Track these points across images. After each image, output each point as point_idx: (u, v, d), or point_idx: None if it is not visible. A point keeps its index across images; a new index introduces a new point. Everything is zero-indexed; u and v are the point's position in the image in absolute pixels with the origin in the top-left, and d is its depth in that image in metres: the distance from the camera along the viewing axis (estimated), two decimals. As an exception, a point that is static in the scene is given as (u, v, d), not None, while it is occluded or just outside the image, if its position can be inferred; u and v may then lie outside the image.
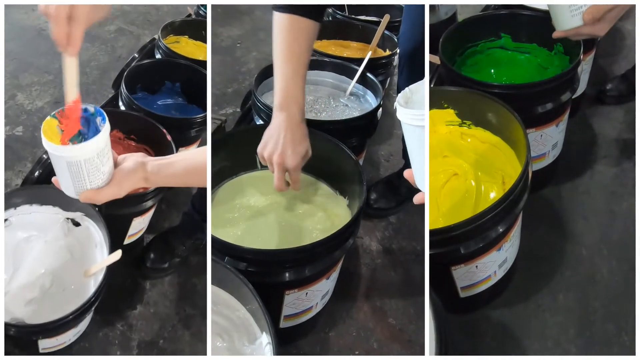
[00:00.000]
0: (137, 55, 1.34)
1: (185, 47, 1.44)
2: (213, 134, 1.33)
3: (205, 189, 0.93)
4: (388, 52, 1.48)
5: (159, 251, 1.10)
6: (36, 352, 0.84)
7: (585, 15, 0.84)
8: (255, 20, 2.25)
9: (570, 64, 1.06)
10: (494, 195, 0.91)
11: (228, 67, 1.93)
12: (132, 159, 0.65)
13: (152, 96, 1.27)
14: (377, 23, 1.51)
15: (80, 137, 0.62)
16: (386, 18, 1.48)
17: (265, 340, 0.70)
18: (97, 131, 0.61)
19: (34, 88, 1.37)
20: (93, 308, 0.84)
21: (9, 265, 0.84)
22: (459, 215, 0.88)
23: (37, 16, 1.62)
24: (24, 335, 0.80)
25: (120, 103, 1.16)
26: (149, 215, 1.09)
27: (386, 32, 1.48)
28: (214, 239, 0.79)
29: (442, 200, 0.92)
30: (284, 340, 0.98)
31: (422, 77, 0.77)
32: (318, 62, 1.29)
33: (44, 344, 0.84)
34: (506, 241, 0.89)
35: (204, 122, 1.19)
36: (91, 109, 0.63)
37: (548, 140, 1.12)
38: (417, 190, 0.68)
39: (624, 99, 1.46)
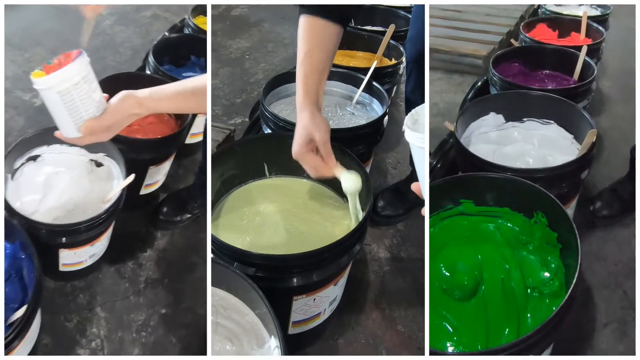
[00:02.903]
0: (167, 34, 1.40)
1: (211, 26, 1.50)
2: (221, 143, 1.35)
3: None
4: (394, 61, 1.50)
5: (172, 206, 1.18)
6: (56, 269, 0.93)
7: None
8: (264, 32, 2.28)
9: (556, 244, 0.81)
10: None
11: (237, 78, 1.96)
12: (119, 94, 0.69)
13: (178, 69, 1.32)
14: (383, 33, 1.53)
15: None
16: (391, 28, 1.51)
17: (273, 344, 0.70)
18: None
19: None
20: (108, 226, 0.96)
21: (39, 191, 0.96)
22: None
23: None
24: (50, 238, 0.88)
25: (147, 72, 1.21)
26: (164, 167, 1.16)
27: (392, 41, 1.50)
28: (222, 244, 0.80)
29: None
30: (292, 348, 0.98)
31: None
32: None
33: (64, 257, 0.94)
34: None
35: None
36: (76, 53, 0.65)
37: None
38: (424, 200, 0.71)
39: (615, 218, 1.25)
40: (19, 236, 0.84)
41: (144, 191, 1.15)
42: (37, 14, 1.68)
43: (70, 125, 0.65)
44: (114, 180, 1.00)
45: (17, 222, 0.85)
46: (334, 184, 1.04)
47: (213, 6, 2.40)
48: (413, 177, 1.33)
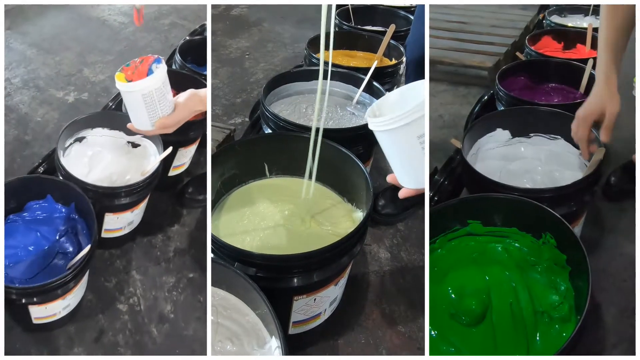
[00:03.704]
0: (188, 38, 1.51)
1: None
2: (222, 143, 1.35)
3: None
4: (394, 61, 1.50)
5: (196, 186, 1.30)
6: (99, 236, 1.03)
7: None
8: (264, 32, 2.28)
9: (565, 265, 0.81)
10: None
11: (237, 78, 1.96)
12: (185, 92, 0.80)
13: (199, 67, 1.42)
14: (383, 33, 1.53)
15: None
16: (392, 28, 1.50)
17: (274, 344, 0.70)
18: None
19: (97, 65, 1.68)
20: (146, 195, 1.10)
21: (86, 166, 1.09)
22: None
23: (102, 9, 1.97)
24: (96, 201, 0.98)
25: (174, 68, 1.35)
26: (190, 151, 1.29)
27: (392, 41, 1.50)
28: (223, 244, 0.80)
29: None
30: (292, 348, 0.98)
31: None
32: (325, 72, 1.30)
33: (107, 223, 1.06)
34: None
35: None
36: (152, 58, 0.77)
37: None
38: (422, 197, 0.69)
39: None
40: (74, 199, 0.97)
41: (172, 172, 1.28)
42: (64, 22, 1.87)
43: (146, 121, 0.77)
44: (151, 157, 1.13)
45: (73, 184, 0.97)
46: (333, 184, 1.04)
47: (213, 6, 2.40)
48: None
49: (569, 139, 1.09)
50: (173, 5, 2.00)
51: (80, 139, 1.12)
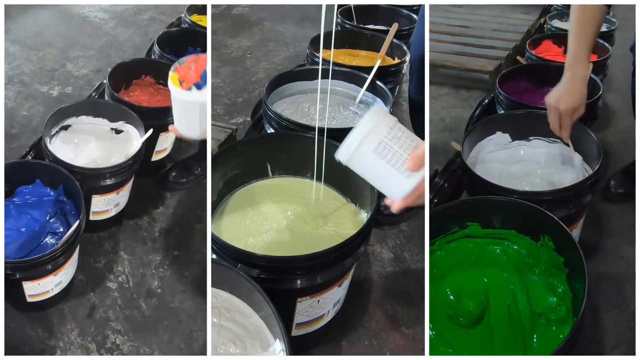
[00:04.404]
0: (165, 30, 1.57)
1: (205, 23, 1.63)
2: (223, 142, 1.34)
3: None
4: (397, 60, 1.49)
5: (179, 170, 1.36)
6: (87, 219, 1.04)
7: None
8: (265, 31, 2.27)
9: (562, 268, 0.80)
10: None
11: (238, 77, 1.95)
12: None
13: (178, 57, 1.50)
14: (386, 32, 1.53)
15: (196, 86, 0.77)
16: (394, 27, 1.50)
17: (278, 347, 0.69)
18: (205, 82, 0.76)
19: (80, 60, 1.73)
20: (131, 176, 1.15)
21: (72, 152, 1.15)
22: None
23: (82, 6, 2.03)
24: (82, 184, 1.02)
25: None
26: (170, 136, 1.33)
27: (395, 40, 1.49)
28: (226, 246, 0.79)
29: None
30: (295, 350, 0.97)
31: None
32: (327, 71, 1.30)
33: (95, 205, 1.11)
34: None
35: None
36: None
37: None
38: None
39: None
40: (62, 182, 1.03)
41: (155, 157, 1.34)
42: (47, 19, 1.93)
43: (197, 129, 0.80)
44: (134, 141, 1.18)
45: (60, 168, 1.03)
46: (336, 184, 1.03)
47: (213, 5, 2.39)
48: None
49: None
50: (153, 3, 2.07)
51: (65, 127, 1.17)
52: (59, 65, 1.71)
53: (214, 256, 0.81)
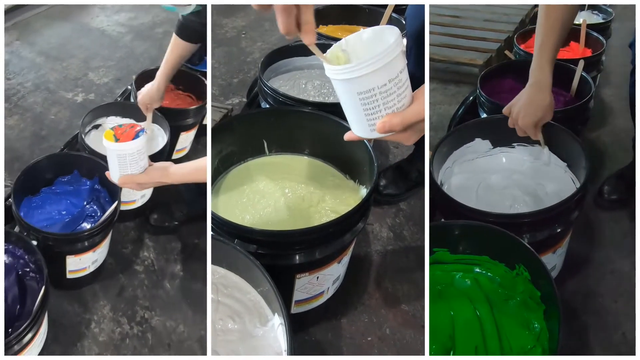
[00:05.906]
0: None
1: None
2: (219, 121, 1.32)
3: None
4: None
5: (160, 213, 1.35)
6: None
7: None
8: (260, 10, 2.23)
9: (540, 301, 0.72)
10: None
11: (233, 58, 1.92)
12: (161, 163, 0.92)
13: (194, 66, 1.52)
14: (384, 7, 1.49)
15: None
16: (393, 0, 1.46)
17: (277, 321, 0.68)
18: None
19: (101, 69, 1.86)
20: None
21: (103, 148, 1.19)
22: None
23: (101, 20, 2.21)
24: None
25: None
26: (189, 136, 1.43)
27: (394, 14, 1.46)
28: (223, 221, 0.78)
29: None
30: (295, 327, 0.96)
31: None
32: (325, 47, 1.27)
33: (124, 195, 1.14)
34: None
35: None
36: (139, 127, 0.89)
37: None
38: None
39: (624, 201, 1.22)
40: (98, 172, 1.12)
41: (175, 156, 1.42)
42: (69, 32, 2.09)
43: (116, 174, 0.91)
44: (159, 139, 1.28)
45: (97, 159, 1.12)
46: (334, 160, 1.01)
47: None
48: (414, 155, 1.30)
49: (554, 150, 1.00)
50: (166, 16, 2.20)
51: (97, 126, 1.29)
52: (81, 74, 1.82)
53: (213, 233, 0.80)
